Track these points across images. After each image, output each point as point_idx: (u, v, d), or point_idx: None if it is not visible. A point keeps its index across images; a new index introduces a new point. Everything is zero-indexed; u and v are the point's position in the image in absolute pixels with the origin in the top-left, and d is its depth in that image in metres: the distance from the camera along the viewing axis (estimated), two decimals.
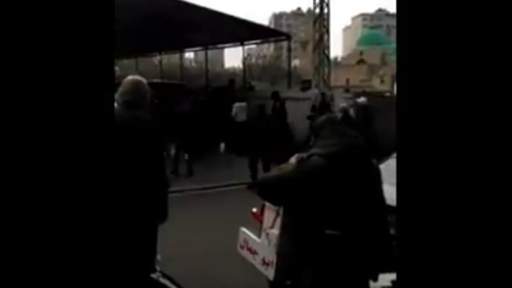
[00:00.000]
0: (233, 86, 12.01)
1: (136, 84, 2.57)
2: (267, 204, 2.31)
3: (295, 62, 36.61)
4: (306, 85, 11.73)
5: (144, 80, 2.64)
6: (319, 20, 10.39)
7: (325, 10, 10.40)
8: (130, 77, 2.65)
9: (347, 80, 39.35)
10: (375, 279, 1.92)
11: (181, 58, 22.10)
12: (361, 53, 50.54)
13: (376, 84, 38.18)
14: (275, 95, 9.46)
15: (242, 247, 2.56)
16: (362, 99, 8.75)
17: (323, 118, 2.09)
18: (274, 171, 1.98)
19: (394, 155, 3.02)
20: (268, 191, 1.95)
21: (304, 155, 1.93)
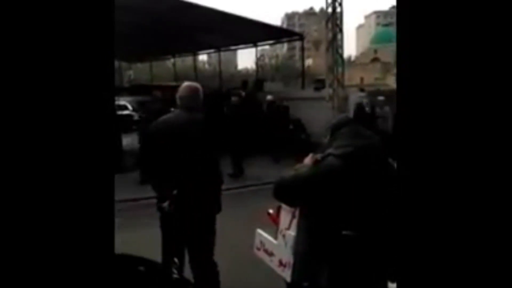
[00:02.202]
0: (246, 87, 12.05)
1: (192, 90, 2.89)
2: (283, 205, 2.30)
3: (309, 62, 36.50)
4: (319, 84, 11.68)
5: (199, 86, 2.96)
6: (332, 19, 10.33)
7: (338, 9, 10.33)
8: (186, 83, 2.97)
9: (361, 79, 39.01)
10: (393, 280, 1.90)
11: (195, 60, 22.26)
12: (375, 51, 50.07)
13: (391, 82, 37.77)
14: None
15: (258, 249, 2.56)
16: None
17: (339, 118, 2.07)
18: (289, 172, 1.97)
19: None
20: (283, 192, 1.95)
21: (319, 155, 1.92)
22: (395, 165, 1.98)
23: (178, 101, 2.85)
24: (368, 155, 1.85)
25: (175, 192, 2.71)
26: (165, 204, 2.74)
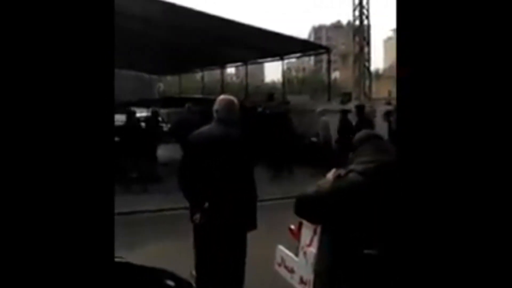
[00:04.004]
0: (272, 100, 12.08)
1: (228, 103, 2.89)
2: (304, 221, 2.26)
3: (335, 75, 36.30)
4: (346, 98, 11.56)
5: (235, 99, 2.97)
6: (359, 32, 10.28)
7: (365, 22, 10.28)
8: (223, 97, 2.99)
9: (389, 92, 38.30)
10: None
11: (222, 73, 22.52)
12: None
13: None
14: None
15: (279, 265, 2.53)
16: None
17: (361, 133, 2.03)
18: (311, 188, 1.94)
19: None
20: (304, 208, 1.92)
21: (342, 171, 1.88)
22: None
23: (214, 114, 2.87)
24: (390, 171, 1.80)
25: (206, 204, 2.72)
26: (197, 216, 2.76)
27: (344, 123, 8.70)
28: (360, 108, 8.67)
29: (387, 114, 9.49)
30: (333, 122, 8.95)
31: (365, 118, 8.51)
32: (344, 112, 8.92)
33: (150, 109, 10.08)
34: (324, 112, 9.43)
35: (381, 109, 10.66)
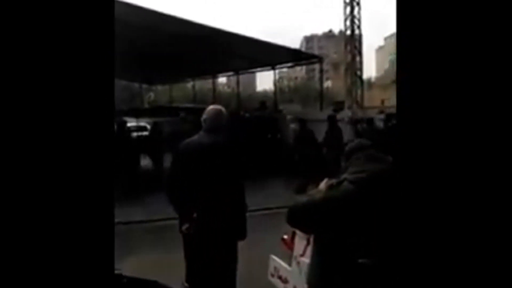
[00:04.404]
0: (264, 108, 12.12)
1: (216, 113, 2.90)
2: (298, 231, 2.25)
3: (328, 84, 36.57)
4: (338, 106, 11.64)
5: (222, 109, 2.98)
6: (351, 42, 10.38)
7: (357, 31, 10.39)
8: (212, 106, 3.01)
9: (382, 101, 38.60)
10: None
11: (214, 83, 22.56)
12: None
13: None
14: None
15: (272, 275, 2.51)
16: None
17: (354, 143, 2.03)
18: (303, 197, 1.93)
19: None
20: (297, 218, 1.91)
21: (334, 180, 1.88)
22: None
23: (202, 124, 2.88)
24: (382, 180, 1.80)
25: (195, 215, 2.69)
26: (185, 226, 2.73)
27: (300, 132, 8.79)
28: (331, 118, 8.93)
29: (355, 122, 9.65)
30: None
31: (336, 128, 8.70)
32: (301, 121, 8.98)
33: (151, 120, 10.11)
34: (293, 120, 9.58)
35: (375, 117, 10.75)
